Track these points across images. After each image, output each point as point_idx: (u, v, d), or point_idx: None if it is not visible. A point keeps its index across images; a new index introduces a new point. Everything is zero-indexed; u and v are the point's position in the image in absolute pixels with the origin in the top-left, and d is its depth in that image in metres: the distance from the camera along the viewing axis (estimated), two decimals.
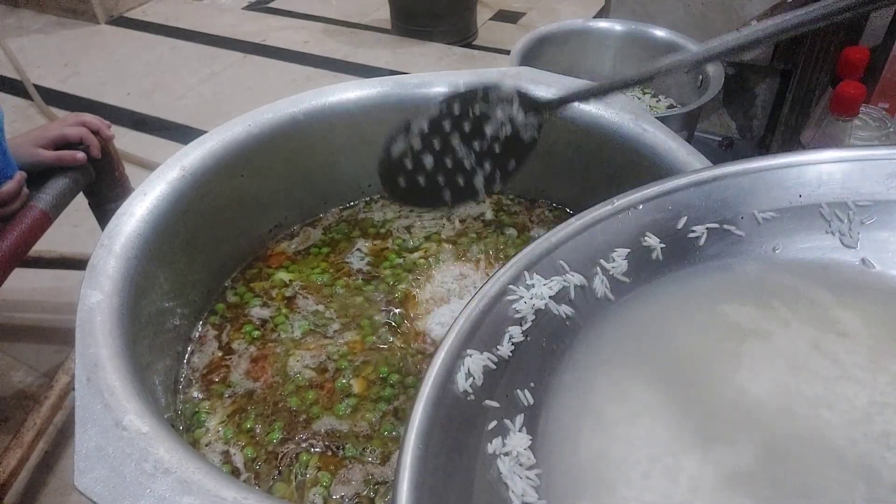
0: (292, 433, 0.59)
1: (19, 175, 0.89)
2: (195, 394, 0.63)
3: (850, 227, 0.44)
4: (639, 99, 1.28)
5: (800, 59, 1.24)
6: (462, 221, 0.81)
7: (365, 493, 0.54)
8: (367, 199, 0.85)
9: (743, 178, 0.46)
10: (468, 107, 0.51)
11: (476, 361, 0.36)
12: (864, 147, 0.46)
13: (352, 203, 0.84)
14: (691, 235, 0.45)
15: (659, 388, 0.38)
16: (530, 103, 0.50)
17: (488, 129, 0.50)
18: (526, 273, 0.41)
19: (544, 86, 0.76)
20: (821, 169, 0.45)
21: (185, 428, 0.60)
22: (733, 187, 0.45)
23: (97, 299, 0.52)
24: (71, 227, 1.13)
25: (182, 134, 1.78)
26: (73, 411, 0.44)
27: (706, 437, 0.36)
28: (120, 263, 0.56)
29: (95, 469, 0.41)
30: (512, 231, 0.79)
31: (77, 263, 1.23)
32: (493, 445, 0.34)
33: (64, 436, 1.08)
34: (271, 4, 2.62)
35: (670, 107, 1.25)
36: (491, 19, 2.41)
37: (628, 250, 0.44)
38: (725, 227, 0.45)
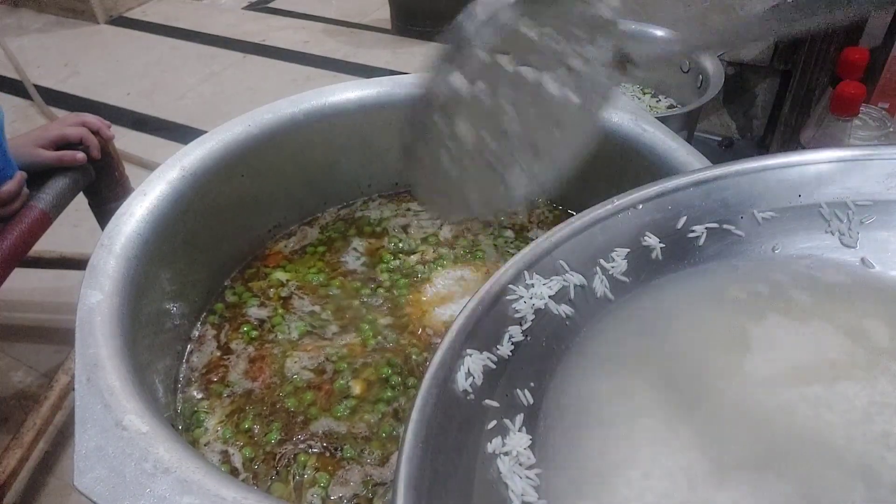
0: (290, 434, 0.59)
1: (19, 175, 0.89)
2: (194, 393, 0.63)
3: (849, 227, 0.44)
4: (639, 99, 1.28)
5: (800, 59, 1.24)
6: (460, 222, 0.81)
7: (363, 493, 0.54)
8: (366, 198, 0.85)
9: (743, 178, 0.46)
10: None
11: (476, 361, 0.36)
12: (863, 147, 0.46)
13: (350, 202, 0.84)
14: (691, 235, 0.45)
15: (659, 388, 0.38)
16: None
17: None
18: (526, 273, 0.41)
19: None
20: (820, 169, 0.45)
21: (184, 427, 0.60)
22: (733, 187, 0.45)
23: (97, 299, 0.52)
24: (71, 227, 1.13)
25: (182, 134, 1.78)
26: (73, 411, 0.44)
27: (706, 436, 0.36)
28: (120, 263, 0.56)
29: (95, 469, 0.41)
30: (509, 233, 0.79)
31: (77, 263, 1.23)
32: (493, 445, 0.34)
33: (64, 436, 1.08)
34: (271, 4, 2.62)
35: (670, 107, 1.25)
36: None
37: (628, 250, 0.44)
38: (725, 226, 0.45)
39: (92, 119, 0.98)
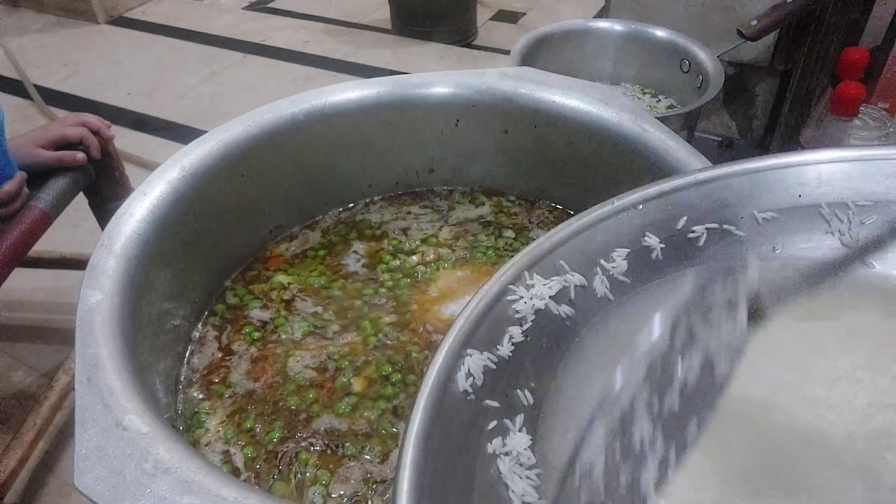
0: (292, 432, 0.59)
1: (19, 175, 0.89)
2: (195, 394, 0.63)
3: (849, 227, 0.44)
4: (639, 99, 1.28)
5: (800, 59, 1.24)
6: (460, 224, 0.81)
7: (364, 491, 0.54)
8: (367, 200, 0.85)
9: (743, 178, 0.46)
10: None
11: (476, 361, 0.36)
12: (863, 147, 0.46)
13: (351, 205, 0.84)
14: (691, 235, 0.45)
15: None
16: None
17: None
18: (526, 273, 0.41)
19: (545, 86, 0.76)
20: (820, 169, 0.45)
21: (185, 428, 0.60)
22: (733, 187, 0.45)
23: (97, 299, 0.52)
24: (71, 227, 1.13)
25: (182, 134, 1.78)
26: (73, 411, 0.44)
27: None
28: (120, 263, 0.56)
29: (95, 469, 0.41)
30: (510, 233, 0.79)
31: (77, 263, 1.23)
32: (494, 445, 0.34)
33: (64, 436, 1.08)
34: (271, 4, 2.62)
35: (670, 107, 1.25)
36: (491, 19, 2.41)
37: (628, 250, 0.44)
38: (725, 227, 0.45)
39: (92, 119, 0.98)
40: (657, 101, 1.27)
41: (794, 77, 1.26)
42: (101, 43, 2.34)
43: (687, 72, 1.20)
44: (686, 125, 1.11)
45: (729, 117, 1.49)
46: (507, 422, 0.35)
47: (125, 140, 1.70)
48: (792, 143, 1.26)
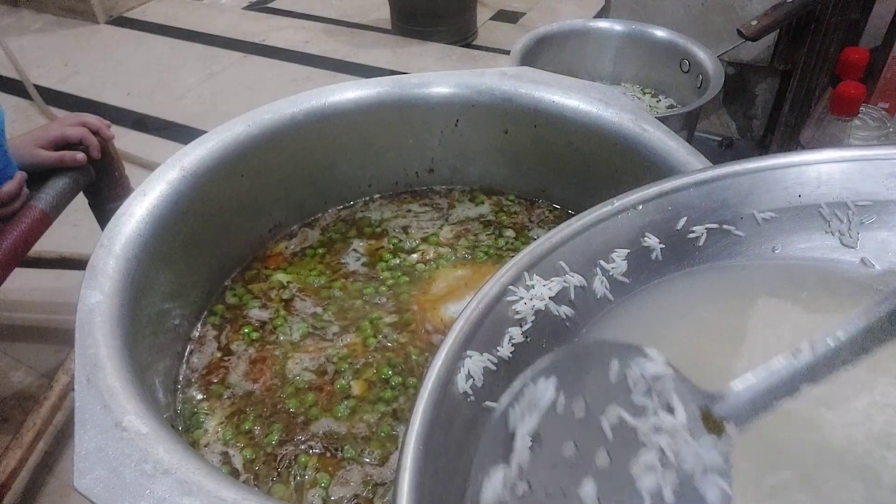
0: (291, 435, 0.59)
1: (19, 175, 0.89)
2: (195, 394, 0.63)
3: (849, 227, 0.44)
4: (639, 99, 1.28)
5: (800, 59, 1.24)
6: (461, 223, 0.81)
7: (363, 494, 0.54)
8: (367, 198, 0.85)
9: (742, 179, 0.45)
10: None
11: (476, 363, 0.36)
12: (863, 147, 0.46)
13: (350, 203, 0.84)
14: (691, 236, 0.45)
15: None
16: None
17: None
18: (526, 274, 0.41)
19: (544, 86, 0.76)
20: (820, 169, 0.45)
21: (184, 428, 0.60)
22: (733, 187, 0.45)
23: (97, 299, 0.52)
24: (71, 227, 1.13)
25: (182, 134, 1.78)
26: (73, 411, 0.44)
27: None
28: (120, 264, 0.56)
29: (95, 470, 0.41)
30: (510, 233, 0.79)
31: (77, 263, 1.23)
32: None
33: (64, 436, 1.08)
34: (271, 4, 2.62)
35: (670, 107, 1.25)
36: (491, 19, 2.41)
37: (628, 251, 0.44)
38: (725, 227, 0.45)
39: (92, 119, 0.98)
40: (657, 101, 1.27)
41: (794, 77, 1.26)
42: (101, 43, 2.34)
43: (687, 72, 1.20)
44: (686, 125, 1.11)
45: (729, 117, 1.49)
46: None
47: (125, 140, 1.70)
48: (792, 143, 1.26)
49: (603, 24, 1.29)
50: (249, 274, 0.75)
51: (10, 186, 0.87)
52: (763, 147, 1.44)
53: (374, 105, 0.77)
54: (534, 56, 1.22)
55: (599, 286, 0.43)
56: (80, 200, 1.03)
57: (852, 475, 0.33)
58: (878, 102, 1.08)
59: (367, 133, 0.78)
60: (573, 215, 0.44)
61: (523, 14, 2.45)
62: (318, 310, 0.70)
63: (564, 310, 0.41)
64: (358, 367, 0.64)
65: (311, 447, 0.58)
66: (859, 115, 0.97)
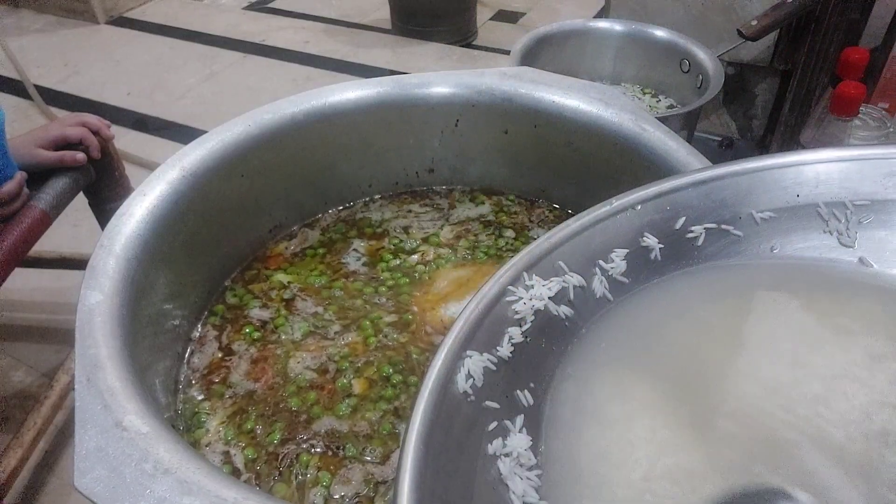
0: (293, 433, 0.59)
1: (19, 175, 0.89)
2: (195, 394, 0.63)
3: (847, 227, 0.44)
4: (639, 99, 1.28)
5: (800, 59, 1.24)
6: (461, 223, 0.81)
7: (365, 492, 0.54)
8: (367, 199, 0.85)
9: (741, 178, 0.46)
10: None
11: (476, 362, 0.36)
12: (861, 146, 0.46)
13: (351, 203, 0.84)
14: (690, 235, 0.45)
15: (658, 388, 0.38)
16: None
17: None
18: (525, 274, 0.41)
19: (544, 86, 0.76)
20: (818, 168, 0.45)
21: (185, 428, 0.60)
22: (731, 187, 0.46)
23: (97, 299, 0.52)
24: (71, 227, 1.13)
25: (182, 134, 1.78)
26: (73, 411, 0.44)
27: (706, 436, 0.36)
28: (120, 264, 0.56)
29: (95, 469, 0.41)
30: (510, 233, 0.79)
31: (77, 263, 1.23)
32: (494, 446, 0.34)
33: (64, 436, 1.08)
34: (271, 4, 2.62)
35: (670, 107, 1.25)
36: (491, 19, 2.41)
37: (627, 251, 0.44)
38: (723, 227, 0.45)
39: (92, 119, 0.98)
40: (657, 101, 1.27)
41: (794, 77, 1.26)
42: (101, 43, 2.34)
43: (687, 72, 1.20)
44: (686, 125, 1.11)
45: (729, 117, 1.49)
46: (508, 423, 0.35)
47: (125, 140, 1.70)
48: (792, 143, 1.26)
49: (603, 24, 1.29)
50: (250, 274, 0.75)
51: (10, 186, 0.87)
52: (763, 147, 1.44)
53: (374, 105, 0.77)
54: (534, 56, 1.22)
55: (598, 286, 0.43)
56: (80, 200, 1.03)
57: (852, 474, 0.33)
58: (878, 102, 1.08)
59: (368, 133, 0.79)
60: (573, 215, 0.44)
61: (523, 14, 2.45)
62: (319, 309, 0.70)
63: (564, 310, 0.41)
64: (359, 365, 0.64)
65: (312, 446, 0.58)
66: (859, 115, 0.97)
